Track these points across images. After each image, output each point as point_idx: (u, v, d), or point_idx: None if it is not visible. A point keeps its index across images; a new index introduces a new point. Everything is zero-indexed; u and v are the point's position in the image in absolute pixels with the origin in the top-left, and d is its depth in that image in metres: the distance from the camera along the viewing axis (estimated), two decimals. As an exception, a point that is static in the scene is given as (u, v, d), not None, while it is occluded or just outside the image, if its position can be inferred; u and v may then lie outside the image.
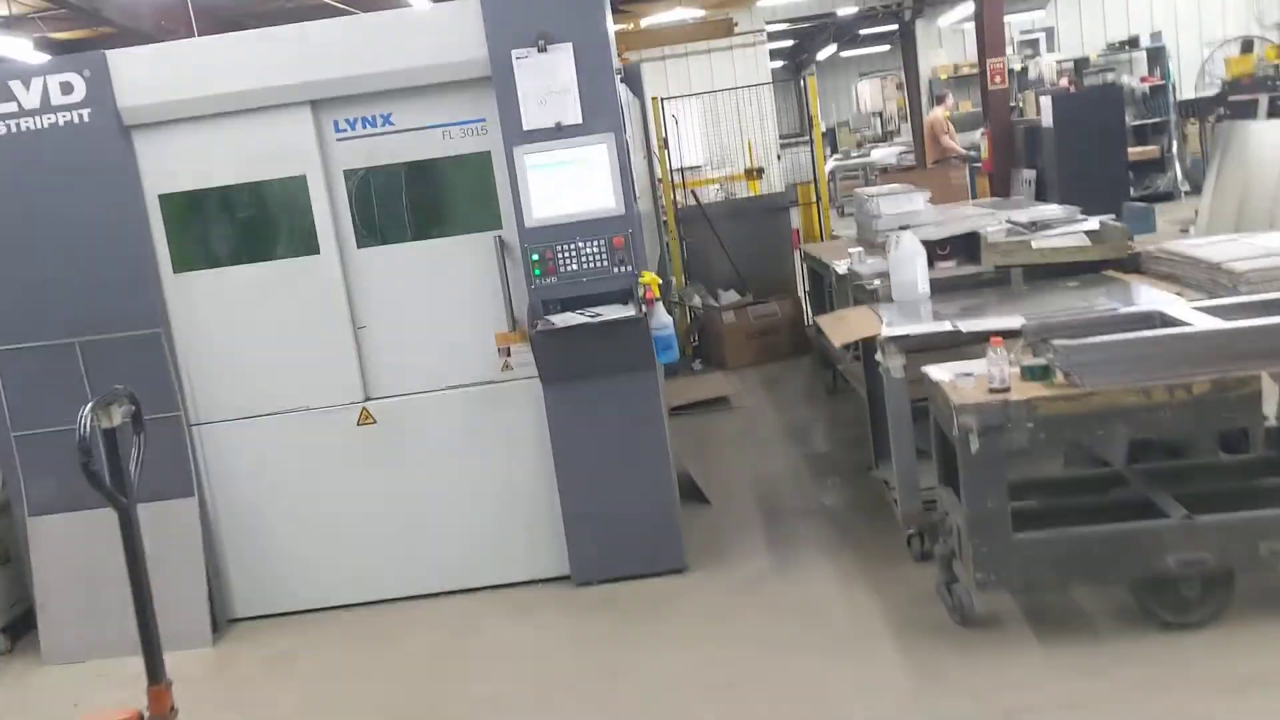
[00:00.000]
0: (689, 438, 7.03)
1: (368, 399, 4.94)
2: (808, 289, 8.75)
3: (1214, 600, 3.77)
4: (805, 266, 8.02)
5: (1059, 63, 16.25)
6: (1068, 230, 5.59)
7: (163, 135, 4.73)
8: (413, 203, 4.89)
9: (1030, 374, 3.83)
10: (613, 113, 4.61)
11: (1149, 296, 4.67)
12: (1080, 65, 16.29)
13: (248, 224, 4.89)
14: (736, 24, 14.09)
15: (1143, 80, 16.37)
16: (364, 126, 4.78)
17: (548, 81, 4.57)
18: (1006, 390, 3.74)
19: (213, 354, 4.89)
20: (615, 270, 4.68)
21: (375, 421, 4.93)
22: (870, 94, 23.90)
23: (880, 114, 24.02)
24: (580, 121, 4.58)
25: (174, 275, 4.85)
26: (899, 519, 4.73)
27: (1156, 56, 16.71)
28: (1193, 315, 3.97)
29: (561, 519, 4.89)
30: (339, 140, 4.79)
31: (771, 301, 9.29)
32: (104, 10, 9.03)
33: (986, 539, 3.75)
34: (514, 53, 4.54)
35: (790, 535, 5.28)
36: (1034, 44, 17.90)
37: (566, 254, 4.67)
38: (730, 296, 9.55)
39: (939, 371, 4.05)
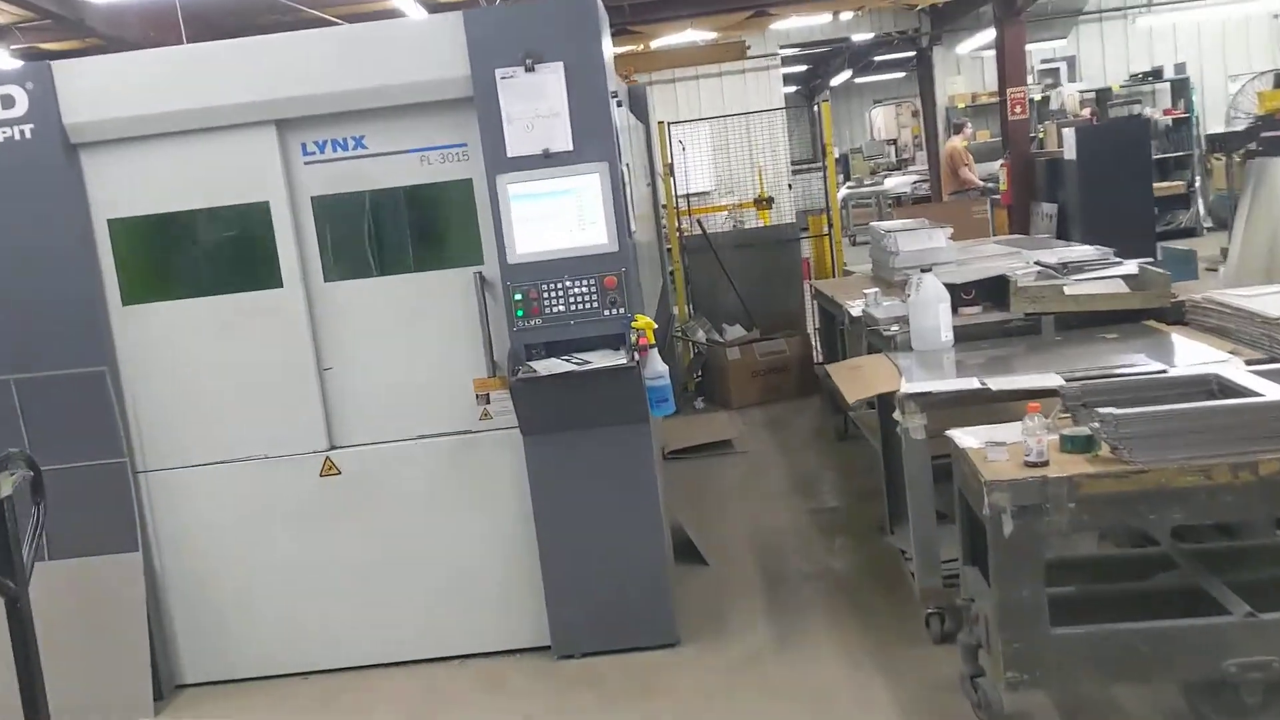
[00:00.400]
0: (687, 485, 6.57)
1: (332, 448, 4.49)
2: (818, 326, 8.28)
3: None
4: (816, 303, 7.57)
5: (1081, 93, 15.82)
6: (1102, 274, 5.13)
7: (113, 155, 4.31)
8: (386, 234, 4.46)
9: (1071, 445, 3.36)
10: (607, 139, 4.17)
11: (1198, 354, 4.20)
12: (1102, 96, 15.86)
13: (205, 253, 4.47)
14: (749, 47, 13.72)
15: (1165, 113, 15.94)
16: (334, 149, 4.35)
17: (535, 104, 4.14)
18: (1044, 464, 3.27)
19: (163, 395, 4.45)
20: (606, 313, 4.24)
21: (340, 473, 4.48)
22: (885, 121, 23.54)
23: (894, 141, 23.64)
24: (571, 148, 4.15)
25: (123, 308, 4.41)
26: (916, 595, 4.26)
27: (1180, 89, 16.28)
28: (1254, 381, 3.50)
29: (542, 584, 4.42)
30: (307, 164, 4.36)
31: (779, 338, 8.84)
32: (88, 19, 8.65)
33: (1019, 633, 3.27)
34: (498, 72, 4.11)
35: (794, 604, 4.81)
36: (1054, 73, 17.48)
37: (553, 294, 4.23)
38: (736, 331, 9.11)
39: (966, 437, 3.58)
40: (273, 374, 4.43)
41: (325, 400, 4.46)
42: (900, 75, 26.79)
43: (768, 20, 13.78)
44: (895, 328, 4.93)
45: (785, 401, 8.61)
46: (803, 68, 25.05)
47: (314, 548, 4.51)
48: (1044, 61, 17.45)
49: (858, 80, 26.59)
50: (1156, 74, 16.57)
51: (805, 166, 18.88)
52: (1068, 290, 4.94)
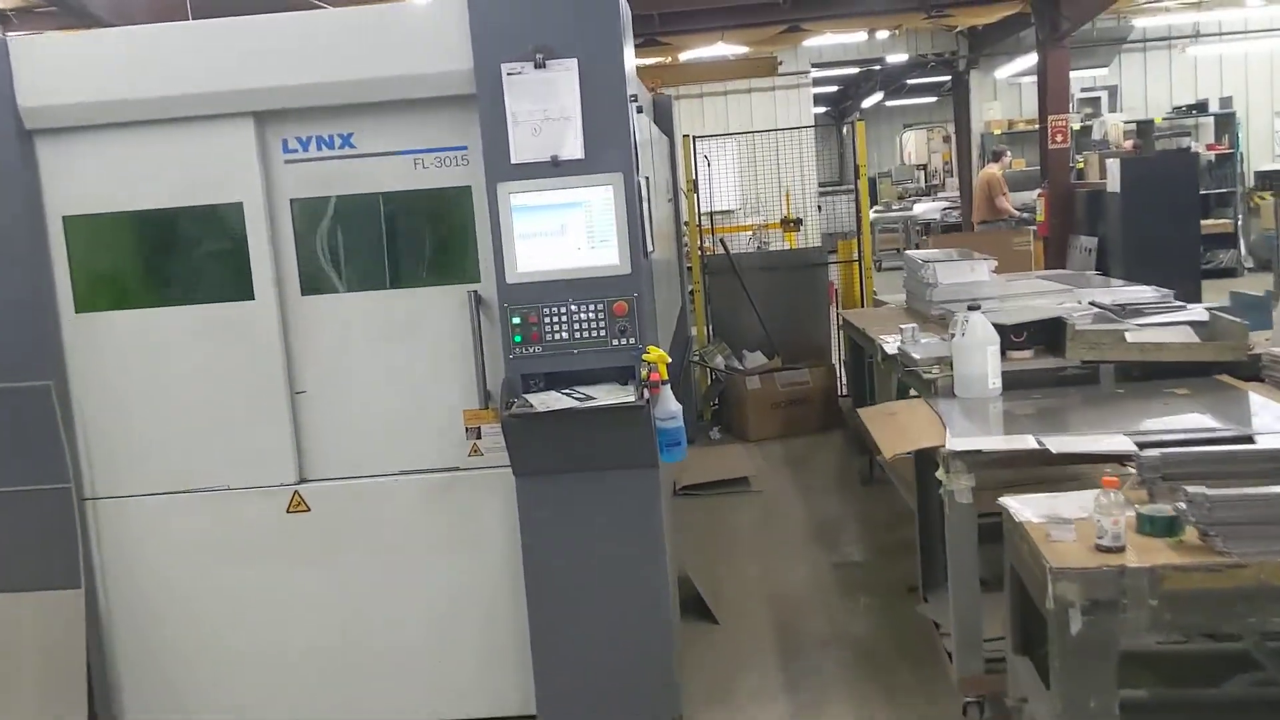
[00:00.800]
0: (698, 526, 6.07)
1: (302, 481, 4.01)
2: (845, 358, 7.79)
3: None
4: (844, 334, 7.08)
5: (1125, 123, 15.28)
6: (1167, 320, 4.61)
7: (73, 144, 3.86)
8: (372, 244, 3.99)
9: (1151, 527, 2.85)
10: (624, 147, 3.69)
11: (1286, 417, 3.68)
12: (1144, 128, 15.33)
13: (170, 258, 4.00)
14: (781, 62, 13.25)
15: (1209, 148, 15.40)
16: (319, 148, 3.89)
17: (544, 105, 3.66)
18: (1120, 550, 2.76)
19: (116, 414, 3.99)
20: (614, 343, 3.75)
21: (309, 509, 4.00)
22: (915, 145, 23.04)
23: (924, 167, 23.14)
24: (582, 156, 3.67)
25: (75, 316, 3.95)
26: (954, 681, 3.74)
27: (1225, 123, 15.74)
28: (1366, 457, 2.98)
29: (529, 645, 3.93)
30: (287, 162, 3.90)
31: (803, 368, 8.34)
32: (91, 6, 8.23)
33: (1084, 748, 2.76)
34: (505, 67, 3.64)
35: (812, 675, 4.31)
36: (1095, 102, 16.95)
37: (555, 319, 3.75)
38: (757, 359, 8.61)
39: (1024, 509, 3.07)
40: (239, 396, 3.96)
41: (296, 428, 3.99)
42: (932, 100, 26.35)
43: (801, 36, 13.33)
44: (936, 370, 4.42)
45: (806, 436, 8.11)
46: (833, 88, 24.61)
47: (277, 592, 4.03)
48: (1084, 90, 16.92)
49: (888, 103, 26.14)
50: (1201, 107, 16.04)
51: (832, 189, 18.41)
52: (1130, 337, 4.42)
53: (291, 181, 3.90)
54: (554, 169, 3.68)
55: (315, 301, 3.96)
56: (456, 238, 3.94)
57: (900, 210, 20.84)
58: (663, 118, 7.62)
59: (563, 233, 3.73)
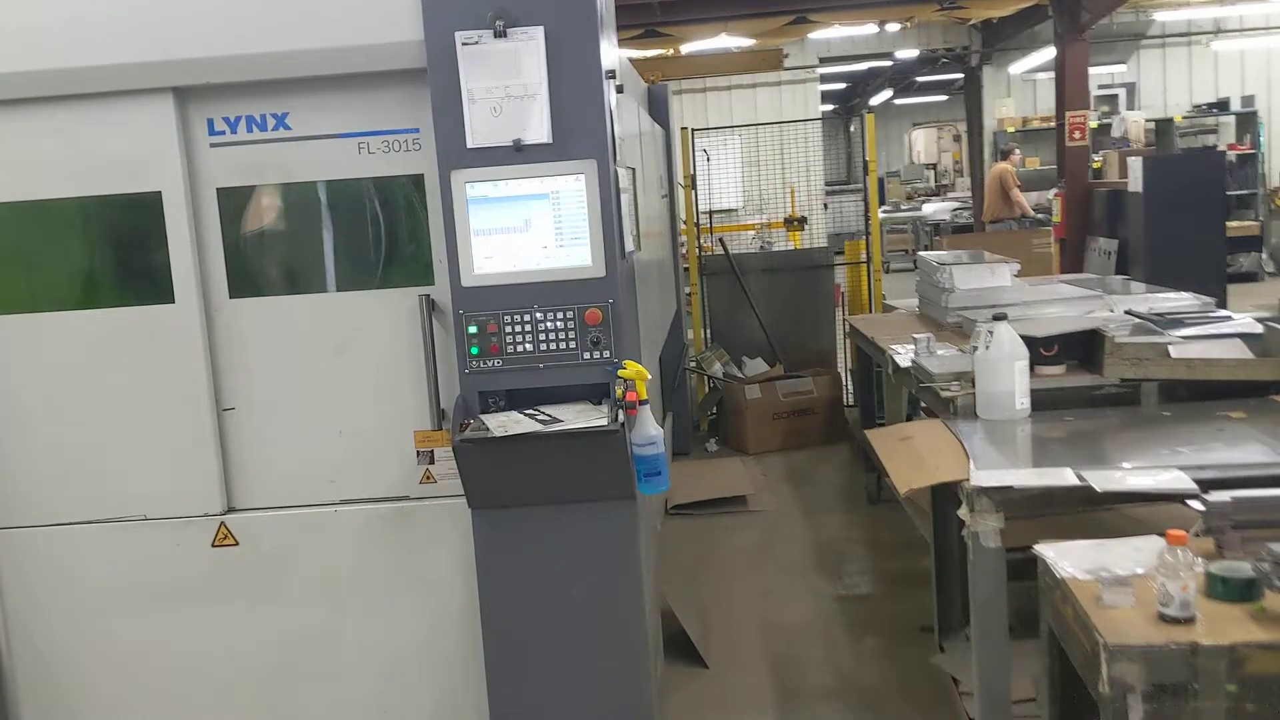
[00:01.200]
0: (689, 551, 5.56)
1: (229, 511, 3.51)
2: (851, 366, 7.26)
3: None
4: (851, 341, 6.56)
5: (1146, 121, 14.73)
6: (1213, 332, 4.10)
7: (-34, 123, 3.35)
8: (310, 240, 3.49)
9: (1223, 589, 2.34)
10: (598, 130, 3.18)
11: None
12: (1163, 126, 14.79)
13: (77, 255, 3.49)
14: (787, 55, 12.72)
15: (1229, 147, 14.85)
16: (249, 129, 3.38)
17: (506, 80, 3.15)
18: (1190, 622, 2.25)
19: (17, 434, 3.48)
20: (586, 356, 3.24)
21: (237, 543, 3.50)
22: (925, 144, 22.45)
23: (934, 166, 22.57)
24: (549, 140, 3.16)
25: (-28, 320, 3.45)
26: (976, 751, 3.23)
27: (1247, 122, 15.19)
28: None
29: (486, 704, 3.42)
30: (213, 146, 3.39)
31: (806, 376, 7.82)
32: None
33: None
34: (459, 36, 3.13)
35: (813, 731, 3.80)
36: (1112, 100, 16.39)
37: (518, 328, 3.24)
38: (757, 366, 8.09)
39: (1064, 562, 2.56)
40: (158, 413, 3.45)
41: (223, 449, 3.48)
42: (942, 98, 25.80)
43: (808, 28, 12.80)
44: (955, 387, 3.90)
45: (809, 449, 7.59)
46: (841, 85, 24.08)
47: (200, 636, 3.53)
48: (1101, 87, 16.36)
49: (897, 101, 25.61)
50: (1222, 105, 15.49)
51: (838, 188, 17.88)
52: (1175, 352, 3.90)
53: (218, 168, 3.39)
54: (517, 155, 3.18)
55: (245, 305, 3.45)
56: (406, 233, 3.43)
57: (909, 210, 20.31)
58: (658, 108, 7.12)
59: (527, 229, 3.22)
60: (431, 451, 3.46)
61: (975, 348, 3.82)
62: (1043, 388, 3.86)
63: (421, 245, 3.40)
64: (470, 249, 3.21)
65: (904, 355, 4.62)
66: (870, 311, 8.14)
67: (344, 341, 3.44)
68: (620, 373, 3.19)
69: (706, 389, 8.26)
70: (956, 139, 22.87)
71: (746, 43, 12.84)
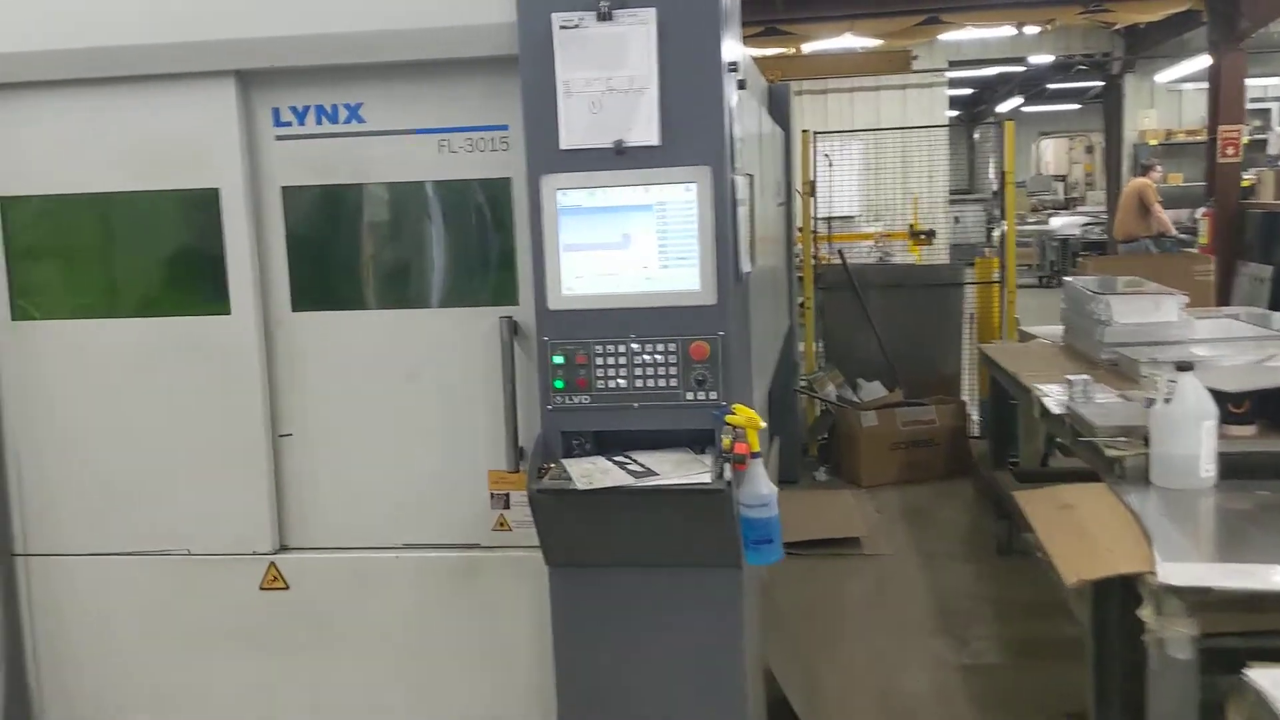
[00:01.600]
0: (795, 597, 5.03)
1: (281, 549, 3.11)
2: (982, 396, 6.63)
3: None
4: (984, 370, 5.95)
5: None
6: None
7: (8, 107, 3.02)
8: (384, 249, 3.08)
9: None
10: (714, 133, 2.69)
11: None
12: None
13: (123, 256, 3.14)
14: (916, 57, 12.04)
15: (1395, 168, 13.64)
16: (319, 121, 2.98)
17: (609, 71, 2.69)
18: None
19: (54, 450, 3.15)
20: (690, 396, 2.75)
21: (288, 587, 3.10)
22: (1055, 155, 21.45)
23: (1064, 178, 21.54)
24: (657, 142, 2.68)
25: (11, 324, 3.12)
26: None
27: None
28: None
29: (558, 792, 2.96)
30: (279, 138, 3.00)
31: (929, 404, 7.20)
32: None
33: None
34: (556, 18, 2.67)
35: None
36: (1264, 114, 15.27)
37: (610, 360, 2.77)
38: (874, 390, 7.50)
39: (1294, 701, 1.99)
40: (206, 436, 3.08)
41: (278, 481, 3.10)
42: (1073, 107, 24.63)
43: (939, 29, 12.11)
44: (1123, 445, 3.31)
45: (928, 484, 6.97)
46: (966, 91, 23.13)
47: (237, 687, 3.15)
48: (1253, 101, 15.25)
49: (1025, 109, 24.54)
50: (1391, 122, 14.28)
51: (958, 198, 17.07)
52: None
53: (283, 163, 3.00)
54: (618, 158, 2.70)
55: (308, 320, 3.05)
56: (490, 245, 2.99)
57: (1036, 224, 19.33)
58: (779, 108, 6.59)
59: (625, 245, 2.75)
60: (506, 495, 3.02)
61: (1151, 400, 3.23)
62: (1230, 451, 3.23)
63: (505, 260, 2.96)
64: (559, 266, 2.75)
65: (1055, 398, 4.02)
66: (1002, 337, 7.48)
67: (416, 365, 3.02)
68: (729, 419, 2.70)
69: (817, 412, 7.70)
70: (1089, 150, 21.83)
71: (872, 43, 12.19)
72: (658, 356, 2.75)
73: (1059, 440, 4.84)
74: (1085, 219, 18.65)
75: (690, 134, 2.68)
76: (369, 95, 2.94)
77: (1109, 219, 15.55)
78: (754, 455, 2.69)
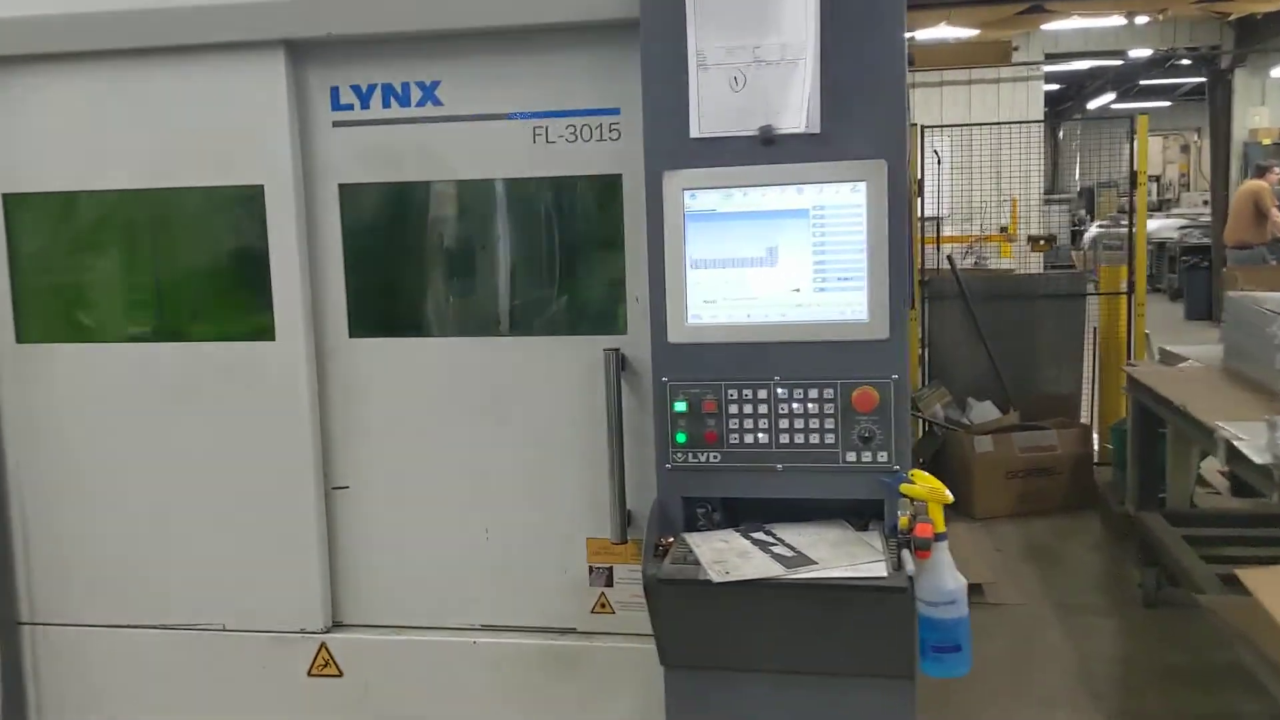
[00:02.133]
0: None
1: (333, 627, 2.56)
2: (1109, 421, 5.92)
3: None
4: (1132, 397, 5.25)
5: None
6: None
7: (13, 85, 2.49)
8: (461, 263, 2.50)
9: None
10: (892, 117, 2.08)
11: None
12: None
13: (146, 269, 2.60)
14: (1017, 48, 11.27)
15: None
16: (386, 103, 2.42)
17: (754, 38, 2.09)
18: None
19: (68, 500, 2.62)
20: (850, 458, 2.14)
21: (340, 673, 2.54)
22: (1151, 154, 20.42)
23: (1159, 178, 20.52)
24: (815, 129, 2.08)
25: (15, 346, 2.60)
26: None
27: None
28: None
29: None
30: (337, 125, 2.45)
31: (1048, 428, 6.49)
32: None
33: None
34: (689, -30, 2.07)
35: None
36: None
37: (748, 408, 2.17)
38: (986, 411, 6.80)
39: None
40: (246, 488, 2.53)
41: (331, 544, 2.54)
42: (1165, 104, 23.56)
43: (1042, 19, 11.29)
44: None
45: (1050, 518, 6.26)
46: (1052, 87, 22.16)
47: (286, 794, 2.60)
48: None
49: (1114, 106, 23.50)
50: None
51: (1049, 198, 16.23)
52: None
53: (342, 155, 2.45)
54: (763, 150, 2.11)
55: (369, 348, 2.49)
56: (593, 259, 2.41)
57: (1128, 226, 18.37)
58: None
59: (771, 261, 2.14)
60: (609, 570, 2.44)
61: None
62: None
63: (613, 278, 2.37)
64: (684, 287, 2.16)
65: (1256, 445, 3.34)
66: (1129, 355, 6.75)
67: (498, 405, 2.44)
68: (905, 489, 2.08)
69: (922, 433, 7.02)
70: (1184, 149, 20.79)
71: (970, 33, 11.42)
72: (810, 406, 2.14)
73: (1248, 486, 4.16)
74: (1182, 221, 17.69)
75: (860, 118, 2.07)
76: (447, 71, 2.38)
77: (1214, 222, 14.62)
78: (938, 537, 2.06)
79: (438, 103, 2.40)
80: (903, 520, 2.06)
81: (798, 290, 2.13)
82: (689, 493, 2.22)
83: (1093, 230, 17.69)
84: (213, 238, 2.52)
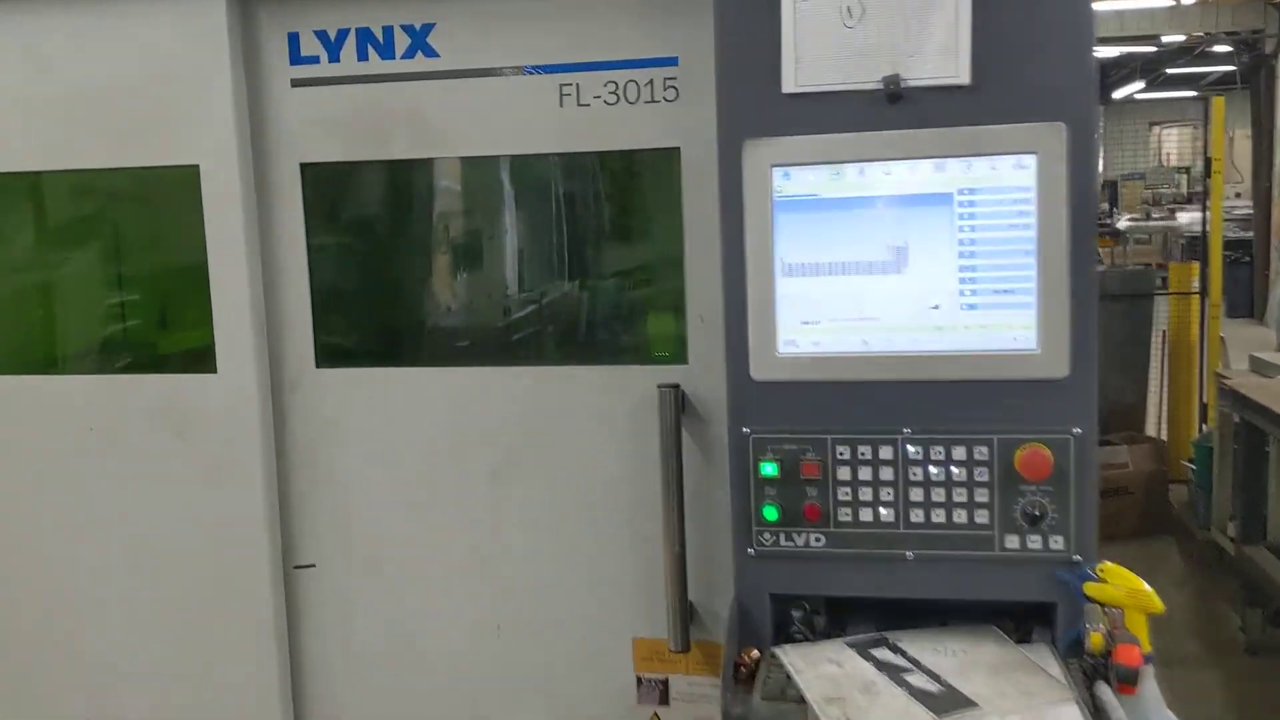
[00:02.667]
0: None
1: (296, 749, 1.95)
2: (1216, 443, 5.27)
3: None
4: (1229, 411, 4.65)
5: None
6: None
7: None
8: (464, 268, 1.91)
9: None
10: (1075, 66, 1.46)
11: None
12: None
13: (51, 277, 1.98)
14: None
15: None
16: (364, 55, 1.82)
17: (876, -48, 1.47)
18: None
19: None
20: (1010, 543, 1.53)
21: (305, 811, 1.94)
22: (1179, 145, 19.82)
23: (1188, 170, 19.90)
24: (964, 81, 1.45)
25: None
26: None
27: None
28: None
29: None
30: (297, 84, 1.84)
31: (1118, 443, 5.88)
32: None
33: None
34: None
35: None
36: None
37: (864, 471, 1.55)
38: (1046, 424, 6.19)
39: None
40: (184, 564, 1.92)
41: (292, 639, 1.93)
42: (1190, 94, 22.96)
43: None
44: None
45: (1122, 543, 5.63)
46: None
47: None
48: None
49: (1137, 96, 22.90)
50: None
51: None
52: None
53: (305, 124, 1.84)
54: (887, 111, 1.49)
55: (342, 381, 1.89)
56: (644, 263, 1.79)
57: (1160, 220, 17.78)
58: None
59: (897, 266, 1.53)
60: (664, 683, 1.82)
61: None
62: None
63: (669, 287, 1.75)
64: (773, 302, 1.54)
65: None
66: (1202, 360, 6.13)
67: (512, 457, 1.83)
68: (1092, 590, 1.46)
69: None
70: (1216, 140, 20.17)
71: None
72: (955, 470, 1.52)
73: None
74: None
75: (1030, 65, 1.45)
76: (444, 11, 1.76)
77: (1256, 215, 13.99)
78: (1146, 659, 1.45)
79: (431, 53, 1.78)
80: (1093, 638, 1.45)
81: (937, 308, 1.51)
82: (780, 589, 1.60)
83: (1123, 223, 17.13)
84: (133, 236, 1.91)
